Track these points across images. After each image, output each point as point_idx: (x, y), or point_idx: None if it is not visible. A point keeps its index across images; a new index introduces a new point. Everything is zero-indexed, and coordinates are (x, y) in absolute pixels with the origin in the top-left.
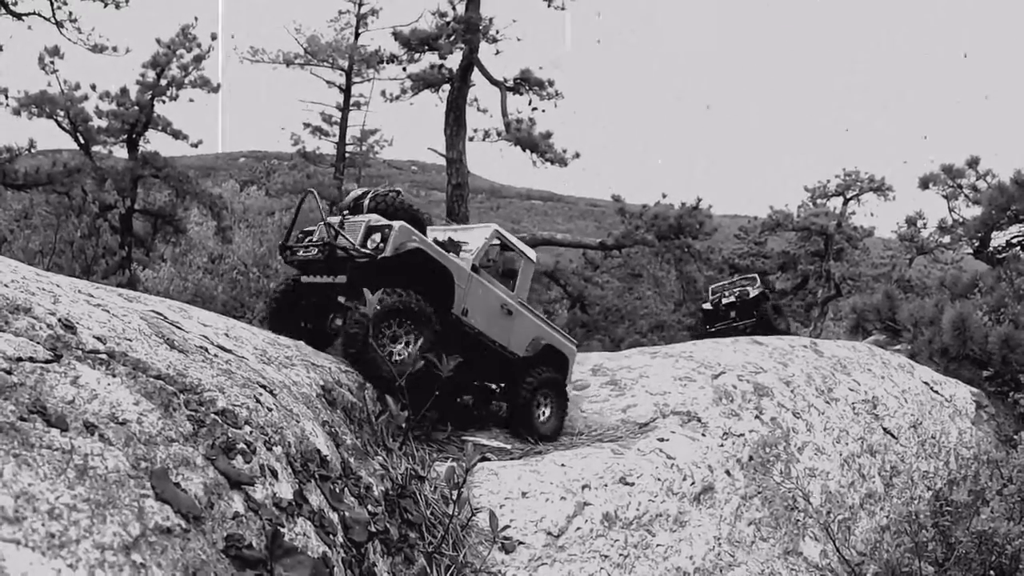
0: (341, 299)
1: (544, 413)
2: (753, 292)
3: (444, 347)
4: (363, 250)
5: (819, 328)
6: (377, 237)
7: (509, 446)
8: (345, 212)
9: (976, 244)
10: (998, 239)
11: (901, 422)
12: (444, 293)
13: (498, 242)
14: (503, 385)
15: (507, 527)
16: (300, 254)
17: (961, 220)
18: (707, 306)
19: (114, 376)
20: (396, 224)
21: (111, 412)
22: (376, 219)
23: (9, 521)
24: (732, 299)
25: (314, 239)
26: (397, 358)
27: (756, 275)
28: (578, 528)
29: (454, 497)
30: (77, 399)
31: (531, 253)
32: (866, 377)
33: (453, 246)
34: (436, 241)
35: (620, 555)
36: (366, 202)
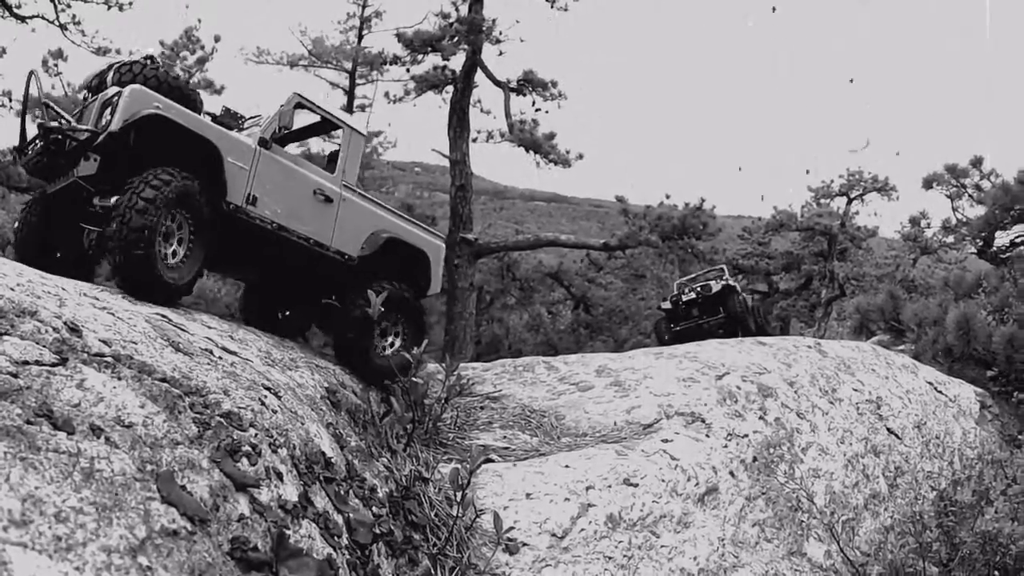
0: (96, 202)
1: (388, 342)
2: (716, 286)
3: (230, 249)
4: (80, 127)
5: (823, 328)
6: (109, 111)
7: (514, 447)
8: (86, 92)
9: (980, 244)
10: (1002, 239)
11: (905, 422)
12: (211, 176)
13: (318, 116)
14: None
15: (511, 528)
16: (29, 152)
17: (965, 220)
18: (666, 305)
19: (120, 379)
20: (127, 88)
21: (117, 415)
22: (115, 91)
23: (16, 524)
24: (692, 296)
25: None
26: (171, 261)
27: (724, 266)
28: (582, 529)
29: (458, 499)
30: (83, 402)
31: (356, 123)
32: (870, 377)
33: (230, 118)
34: (213, 118)
35: (624, 556)
36: (110, 76)
